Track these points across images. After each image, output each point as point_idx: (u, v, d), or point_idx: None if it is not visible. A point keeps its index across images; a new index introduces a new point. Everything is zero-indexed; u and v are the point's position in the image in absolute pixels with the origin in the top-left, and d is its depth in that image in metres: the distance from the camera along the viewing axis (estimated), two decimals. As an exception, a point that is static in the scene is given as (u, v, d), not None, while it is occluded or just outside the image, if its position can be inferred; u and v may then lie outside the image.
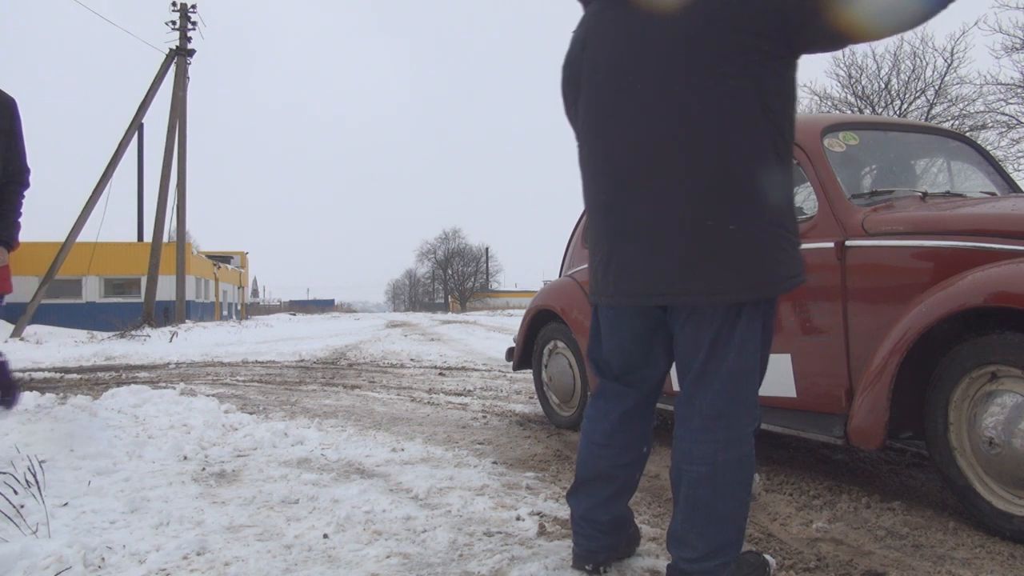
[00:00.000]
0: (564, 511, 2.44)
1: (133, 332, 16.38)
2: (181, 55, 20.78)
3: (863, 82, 16.52)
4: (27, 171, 3.43)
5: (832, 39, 1.63)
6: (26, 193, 3.43)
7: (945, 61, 15.36)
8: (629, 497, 1.95)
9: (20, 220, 3.45)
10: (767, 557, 1.89)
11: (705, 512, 1.66)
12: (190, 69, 21.06)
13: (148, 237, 21.84)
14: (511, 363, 4.70)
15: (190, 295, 27.88)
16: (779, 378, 2.86)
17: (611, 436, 1.89)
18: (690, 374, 1.73)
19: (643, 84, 1.67)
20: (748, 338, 1.68)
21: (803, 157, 2.89)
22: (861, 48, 16.57)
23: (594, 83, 1.78)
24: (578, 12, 1.89)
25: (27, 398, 4.51)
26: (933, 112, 15.63)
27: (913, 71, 15.84)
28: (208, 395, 5.26)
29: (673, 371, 1.87)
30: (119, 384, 6.03)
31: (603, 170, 1.78)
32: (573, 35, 1.88)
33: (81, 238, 18.78)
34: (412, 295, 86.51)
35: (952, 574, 1.93)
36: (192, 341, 14.52)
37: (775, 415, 2.87)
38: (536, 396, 4.49)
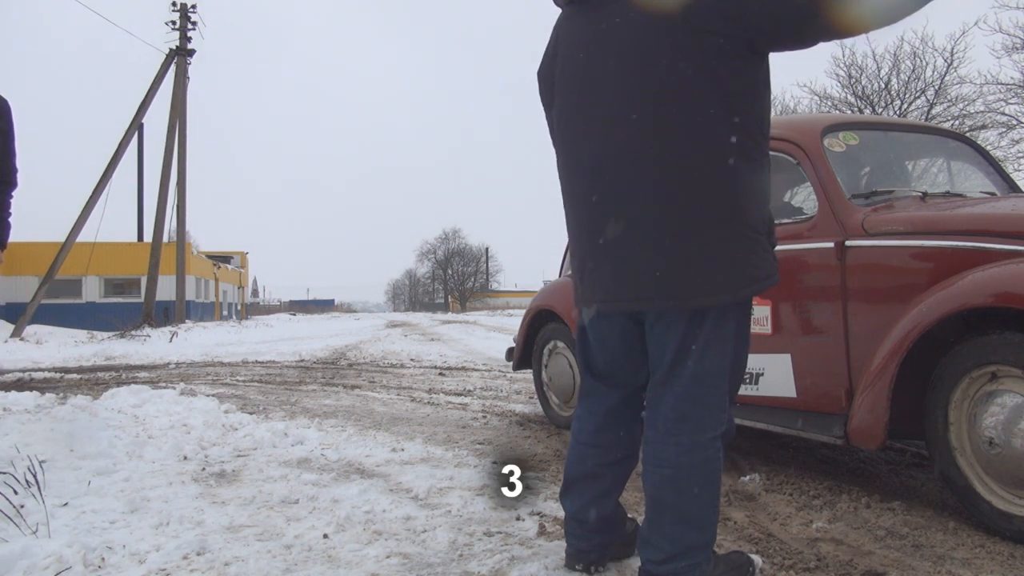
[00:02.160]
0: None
1: (133, 332, 16.38)
2: (181, 55, 20.78)
3: (863, 82, 16.52)
4: (15, 171, 3.51)
5: (794, 38, 1.59)
6: (14, 193, 3.51)
7: (945, 61, 15.36)
8: (618, 496, 1.96)
9: (10, 220, 3.52)
10: (754, 557, 1.89)
11: (670, 514, 1.67)
12: (190, 69, 21.08)
13: (148, 237, 21.84)
14: (511, 363, 4.70)
15: (190, 295, 27.87)
16: (779, 378, 2.86)
17: (597, 435, 1.90)
18: (657, 377, 1.74)
19: (609, 90, 1.68)
20: (713, 342, 1.67)
21: (803, 157, 2.89)
22: (861, 48, 16.58)
23: (564, 91, 1.80)
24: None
25: (27, 398, 4.51)
26: (933, 112, 15.61)
27: (913, 71, 15.83)
28: (208, 395, 5.26)
29: None
30: (119, 384, 6.03)
31: (575, 178, 1.80)
32: (548, 43, 1.90)
33: (81, 238, 18.78)
34: (412, 295, 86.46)
35: (952, 574, 1.93)
36: (192, 341, 14.52)
37: (775, 415, 2.87)
38: (536, 396, 4.49)
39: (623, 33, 1.65)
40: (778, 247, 2.87)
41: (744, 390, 2.98)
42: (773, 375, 2.89)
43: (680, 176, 1.60)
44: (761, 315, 2.93)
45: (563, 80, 1.80)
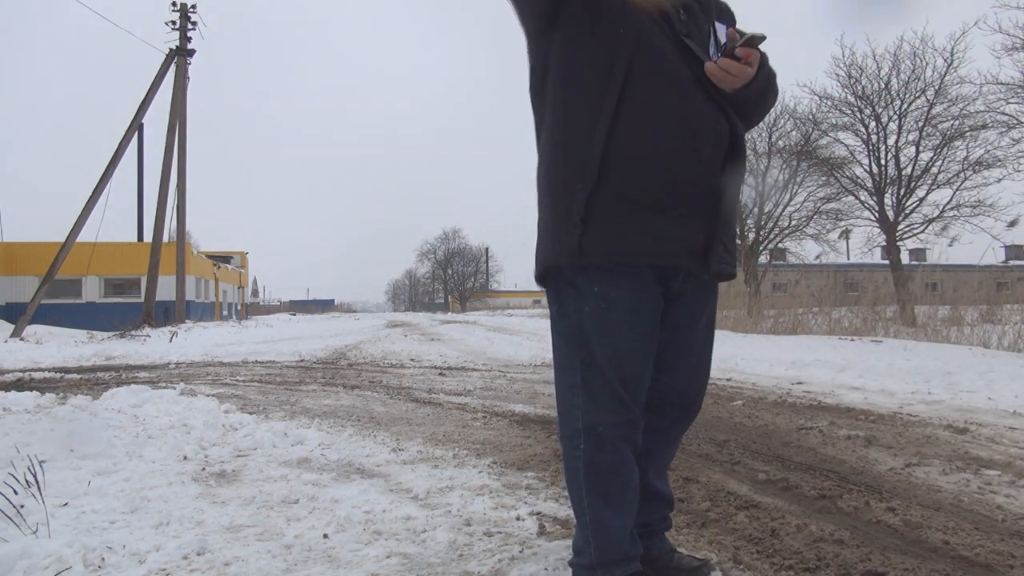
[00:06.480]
0: (564, 511, 2.44)
1: (133, 332, 16.39)
2: (181, 55, 20.79)
3: (863, 82, 16.44)
4: None
5: None
6: None
7: (945, 61, 15.28)
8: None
9: None
10: (695, 558, 1.88)
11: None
12: (190, 69, 21.09)
13: (148, 237, 21.84)
14: None
15: (190, 295, 27.86)
16: None
17: None
18: None
19: None
20: (555, 328, 1.71)
21: None
22: (861, 48, 16.52)
23: None
24: None
25: (27, 398, 4.51)
26: (933, 112, 15.58)
27: (913, 71, 15.76)
28: (208, 395, 5.26)
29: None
30: (119, 384, 6.03)
31: None
32: None
33: (81, 238, 18.78)
34: (412, 295, 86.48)
35: (952, 574, 1.93)
36: (192, 341, 14.52)
37: None
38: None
39: None
40: None
41: None
42: None
43: (538, 168, 1.73)
44: None
45: None
